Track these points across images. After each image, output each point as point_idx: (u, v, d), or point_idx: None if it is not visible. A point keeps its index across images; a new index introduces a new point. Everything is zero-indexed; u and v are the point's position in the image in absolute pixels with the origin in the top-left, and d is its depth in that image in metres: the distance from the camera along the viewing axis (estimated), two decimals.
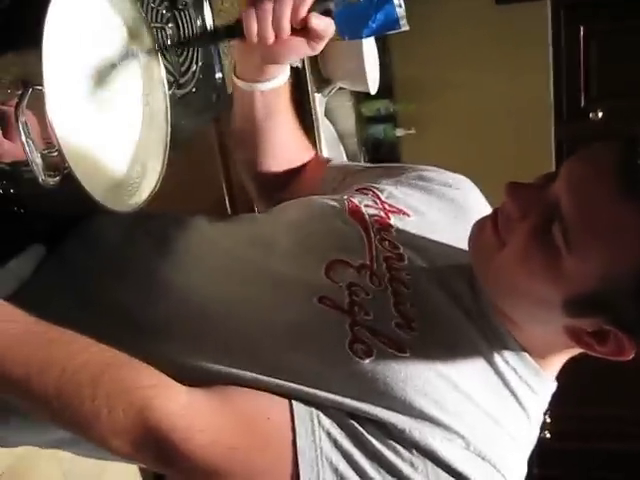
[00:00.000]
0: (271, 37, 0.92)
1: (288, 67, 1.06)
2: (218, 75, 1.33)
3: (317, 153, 1.25)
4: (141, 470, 2.68)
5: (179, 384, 0.79)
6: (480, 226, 0.86)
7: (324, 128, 2.31)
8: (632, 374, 2.47)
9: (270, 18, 0.90)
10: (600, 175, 0.74)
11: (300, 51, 0.96)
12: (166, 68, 1.03)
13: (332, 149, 2.40)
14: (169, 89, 0.97)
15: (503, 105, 2.44)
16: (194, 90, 1.21)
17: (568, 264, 0.75)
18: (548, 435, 2.57)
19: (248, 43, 0.93)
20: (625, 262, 0.72)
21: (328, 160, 1.22)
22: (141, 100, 0.94)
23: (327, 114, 2.40)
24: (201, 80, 1.24)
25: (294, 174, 1.19)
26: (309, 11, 0.91)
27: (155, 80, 0.95)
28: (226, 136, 1.87)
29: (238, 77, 1.05)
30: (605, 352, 0.78)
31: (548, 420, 2.48)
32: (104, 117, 0.87)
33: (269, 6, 0.90)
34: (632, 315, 0.74)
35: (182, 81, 1.16)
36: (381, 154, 2.70)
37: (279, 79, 1.05)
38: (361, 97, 2.53)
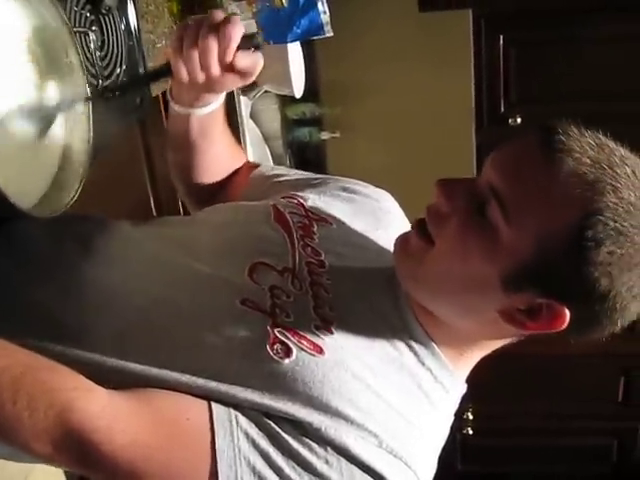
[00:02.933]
0: (201, 79, 0.96)
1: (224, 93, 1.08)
2: None
3: (247, 160, 1.27)
4: (66, 473, 2.63)
5: (99, 386, 0.80)
6: (404, 237, 0.89)
7: (249, 130, 2.31)
8: (550, 373, 2.55)
9: (197, 64, 0.94)
10: (525, 152, 0.79)
11: (232, 84, 1.01)
12: (89, 71, 1.03)
13: (258, 151, 2.40)
14: (93, 95, 0.96)
15: (426, 109, 2.49)
16: (117, 93, 1.19)
17: (506, 237, 0.78)
18: (470, 432, 2.62)
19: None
20: (557, 225, 0.76)
21: (255, 167, 1.24)
22: (63, 106, 0.93)
23: (253, 116, 2.40)
24: (125, 83, 1.23)
25: (224, 183, 1.21)
26: (238, 48, 0.94)
27: (79, 84, 0.94)
28: (151, 138, 1.86)
29: (174, 100, 1.07)
30: (538, 327, 0.81)
31: (470, 417, 2.56)
32: (25, 121, 0.86)
33: (195, 56, 0.93)
34: (565, 277, 0.77)
35: (105, 84, 1.15)
36: (307, 156, 2.71)
37: (214, 104, 1.07)
38: (287, 100, 2.54)
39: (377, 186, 1.14)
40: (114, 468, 0.77)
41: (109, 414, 0.78)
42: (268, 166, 1.28)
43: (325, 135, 2.64)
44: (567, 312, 0.78)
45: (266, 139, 2.52)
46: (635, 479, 2.73)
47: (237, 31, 0.93)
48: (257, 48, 0.96)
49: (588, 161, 0.76)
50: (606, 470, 2.73)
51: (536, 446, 2.75)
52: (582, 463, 2.76)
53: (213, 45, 0.93)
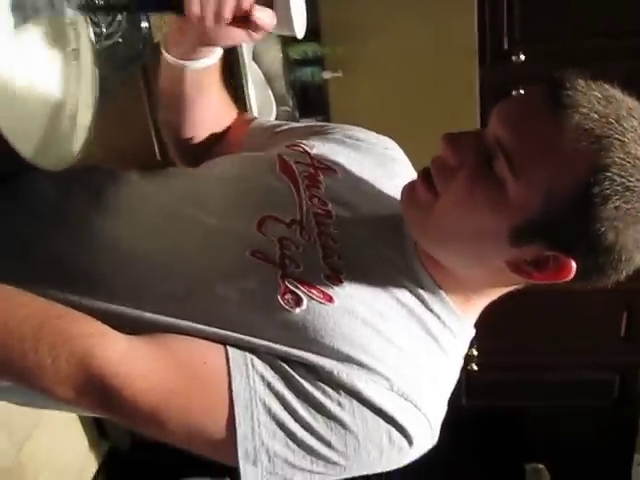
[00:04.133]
0: (211, 21, 0.92)
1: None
2: (144, 24, 1.31)
3: (240, 113, 1.25)
4: (80, 416, 2.69)
5: (118, 332, 0.82)
6: (410, 186, 0.89)
7: (252, 72, 2.29)
8: (553, 309, 2.58)
9: (213, 2, 0.90)
10: (532, 106, 0.79)
11: (237, 39, 0.97)
12: (91, 19, 1.02)
13: (260, 93, 2.39)
14: (96, 42, 0.96)
15: (428, 47, 2.46)
16: (120, 40, 1.19)
17: (514, 192, 0.79)
18: (475, 368, 2.66)
19: (185, 21, 0.93)
20: (564, 181, 0.76)
21: (252, 119, 1.23)
22: (68, 55, 0.93)
23: (254, 58, 2.38)
24: (127, 30, 1.22)
25: (218, 137, 1.19)
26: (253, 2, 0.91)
27: (82, 36, 0.94)
28: (153, 84, 1.85)
29: (168, 53, 1.04)
30: (544, 277, 0.82)
31: (475, 353, 2.59)
32: (31, 74, 0.86)
33: None
34: (572, 232, 0.78)
35: (108, 32, 1.14)
36: (309, 97, 2.69)
37: (211, 58, 1.05)
38: (288, 40, 2.51)
39: (380, 125, 1.14)
40: (134, 411, 0.80)
41: (128, 359, 0.80)
42: (265, 119, 1.27)
43: (327, 75, 2.62)
44: (573, 264, 0.79)
45: (268, 80, 2.50)
46: (635, 413, 2.78)
47: None
48: (270, 5, 0.93)
49: (595, 116, 0.76)
50: (608, 404, 2.78)
51: (539, 381, 2.80)
52: (584, 398, 2.81)
53: None
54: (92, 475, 2.86)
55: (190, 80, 1.06)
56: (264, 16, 0.93)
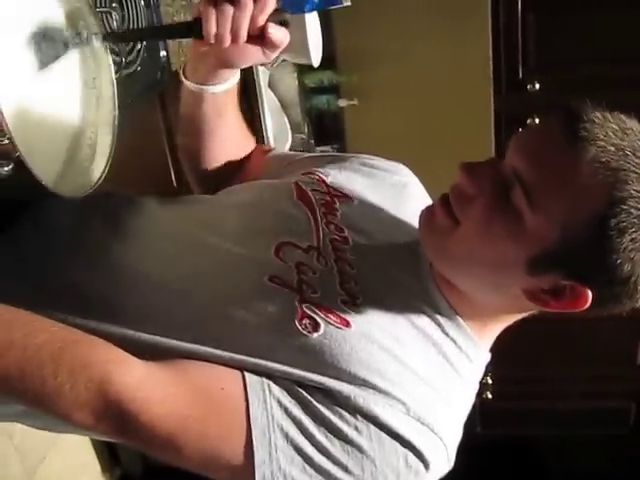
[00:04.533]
0: (228, 40, 0.93)
1: (239, 70, 1.08)
2: (162, 53, 1.33)
3: (259, 143, 1.28)
4: (93, 441, 2.69)
5: (135, 358, 0.83)
6: (429, 211, 0.90)
7: (268, 100, 2.31)
8: (568, 336, 2.57)
9: (230, 21, 0.92)
10: (549, 137, 0.80)
11: (254, 58, 1.00)
12: (112, 49, 1.04)
13: (276, 120, 2.41)
14: (116, 72, 0.97)
15: (444, 76, 2.47)
16: (139, 68, 1.21)
17: (531, 223, 0.80)
18: (490, 396, 2.65)
19: (204, 43, 0.95)
20: (581, 213, 0.77)
21: (270, 149, 1.25)
22: (89, 84, 0.94)
23: (271, 86, 2.40)
24: (145, 58, 1.24)
25: (236, 166, 1.21)
26: (266, 21, 0.93)
27: (103, 64, 0.95)
28: (171, 112, 1.87)
29: (187, 79, 1.07)
30: (561, 306, 0.83)
31: (490, 382, 2.58)
32: (52, 103, 0.88)
33: (229, 10, 0.91)
34: (588, 263, 0.79)
35: (128, 60, 1.16)
36: (324, 125, 2.71)
37: (230, 81, 1.07)
38: (304, 68, 2.53)
39: (395, 153, 1.15)
40: (152, 437, 0.81)
41: (146, 385, 0.81)
42: (282, 150, 1.29)
43: (343, 103, 2.64)
44: (589, 293, 0.80)
45: (284, 108, 2.52)
46: None
47: None
48: (283, 24, 0.96)
49: (612, 149, 0.77)
50: (624, 432, 2.75)
51: (555, 409, 2.78)
52: (600, 426, 2.78)
53: (249, 3, 0.91)
54: None
55: (210, 105, 1.09)
56: (278, 33, 0.95)
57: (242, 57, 1.00)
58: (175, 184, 2.04)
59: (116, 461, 2.90)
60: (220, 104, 1.10)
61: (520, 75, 2.40)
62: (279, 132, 2.42)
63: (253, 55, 0.99)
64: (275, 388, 0.84)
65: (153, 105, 1.85)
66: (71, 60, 0.91)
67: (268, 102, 2.31)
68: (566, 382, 2.73)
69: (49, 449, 2.49)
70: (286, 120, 2.52)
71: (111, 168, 0.94)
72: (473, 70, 2.41)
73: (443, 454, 0.87)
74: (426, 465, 0.85)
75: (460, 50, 2.40)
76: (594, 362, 2.63)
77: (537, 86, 2.35)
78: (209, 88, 1.06)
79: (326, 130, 2.68)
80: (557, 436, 2.87)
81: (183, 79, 1.08)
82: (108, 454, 2.85)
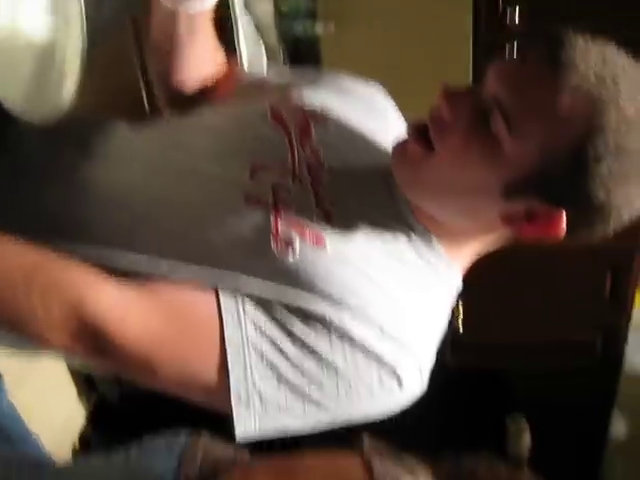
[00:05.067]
0: None
1: None
2: None
3: (231, 64, 1.25)
4: (69, 368, 2.70)
5: (110, 279, 0.83)
6: (401, 143, 0.90)
7: (243, 24, 2.26)
8: (538, 269, 2.60)
9: None
10: (530, 65, 0.80)
11: None
12: None
13: (251, 46, 2.36)
14: None
15: (422, 1, 2.43)
16: None
17: (510, 149, 0.80)
18: (461, 328, 2.69)
19: None
20: (559, 140, 0.78)
21: (242, 70, 1.23)
22: (57, 5, 0.91)
23: (246, 11, 2.34)
24: None
25: (208, 87, 1.19)
26: None
27: None
28: (143, 35, 1.82)
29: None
30: (535, 231, 0.84)
31: (461, 314, 2.61)
32: (16, 23, 0.85)
33: None
34: (564, 189, 0.80)
35: None
36: (301, 51, 2.66)
37: (204, 3, 1.04)
38: None
39: (372, 81, 1.14)
40: (127, 357, 0.82)
41: (121, 307, 0.82)
42: (256, 71, 1.26)
43: (320, 28, 2.59)
44: (564, 219, 0.81)
45: (260, 33, 2.47)
46: (617, 371, 2.82)
47: None
48: None
49: (592, 77, 0.76)
50: (592, 363, 2.81)
51: (524, 341, 2.82)
52: (568, 357, 2.84)
53: None
54: (80, 426, 2.88)
55: (183, 25, 1.07)
56: None
57: None
58: (147, 109, 2.01)
59: (92, 387, 2.93)
60: (194, 25, 1.08)
61: (500, 2, 2.35)
62: (254, 59, 2.38)
63: None
64: (250, 308, 0.84)
65: (125, 27, 1.79)
66: None
67: (243, 27, 2.26)
68: (535, 315, 2.77)
69: (25, 376, 2.50)
70: (262, 46, 2.47)
71: (82, 93, 0.91)
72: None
73: (417, 374, 0.89)
74: (400, 384, 0.86)
75: None
76: (563, 295, 2.67)
77: (517, 11, 2.30)
78: (183, 7, 1.03)
79: (302, 57, 2.63)
80: (526, 366, 2.93)
81: None
82: (84, 380, 2.87)
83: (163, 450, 1.77)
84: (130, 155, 1.00)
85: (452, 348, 2.76)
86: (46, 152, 1.00)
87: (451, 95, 0.85)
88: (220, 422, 0.86)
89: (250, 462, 1.67)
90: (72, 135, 1.02)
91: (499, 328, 2.81)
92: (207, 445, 1.76)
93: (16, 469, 1.49)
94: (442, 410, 2.49)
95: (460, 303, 2.48)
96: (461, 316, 2.56)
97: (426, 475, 1.65)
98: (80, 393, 2.87)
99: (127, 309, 0.82)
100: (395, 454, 1.62)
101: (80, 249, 0.89)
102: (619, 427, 3.09)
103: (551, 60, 0.78)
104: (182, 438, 1.80)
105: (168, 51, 1.12)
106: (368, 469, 1.57)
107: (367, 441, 1.64)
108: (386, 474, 1.55)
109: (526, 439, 2.96)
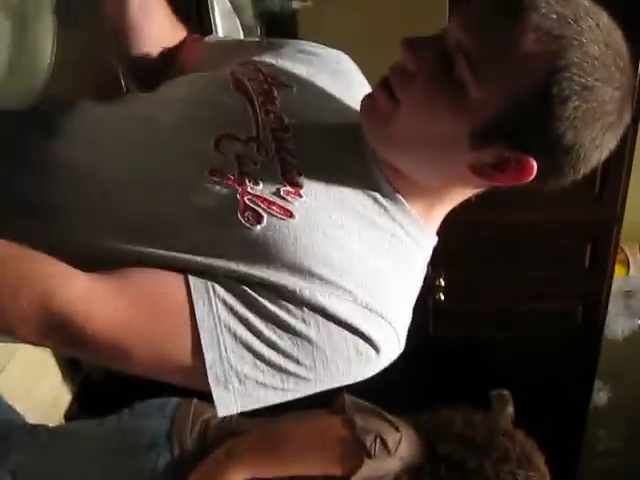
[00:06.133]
0: None
1: None
2: None
3: (189, 32, 1.24)
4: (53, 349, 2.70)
5: (78, 271, 0.83)
6: (369, 97, 0.89)
7: (218, 1, 2.24)
8: (519, 239, 2.61)
9: None
10: (491, 8, 0.80)
11: None
12: None
13: (227, 24, 2.34)
14: None
15: None
16: None
17: (475, 95, 0.80)
18: (442, 298, 2.70)
19: None
20: (524, 82, 0.78)
21: (201, 37, 1.22)
22: None
23: None
24: None
25: (169, 58, 1.19)
26: None
27: None
28: None
29: None
30: (506, 179, 0.85)
31: (442, 284, 2.63)
32: None
33: None
34: (532, 132, 0.80)
35: None
36: (277, 27, 2.64)
37: None
38: None
39: (351, 57, 1.14)
40: (98, 347, 0.82)
41: (89, 297, 0.81)
42: (216, 36, 1.25)
43: (296, 4, 2.57)
44: (534, 163, 0.81)
45: (235, 11, 2.45)
46: (597, 340, 2.85)
47: None
48: None
49: (554, 16, 0.77)
50: (571, 332, 2.84)
51: (505, 310, 2.85)
52: (549, 326, 2.87)
53: None
54: (66, 405, 2.88)
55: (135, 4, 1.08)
56: None
57: None
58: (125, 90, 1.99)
59: (77, 367, 2.93)
60: (145, 1, 1.08)
61: None
62: (231, 36, 2.36)
63: None
64: (220, 289, 0.84)
65: (100, 10, 1.77)
66: None
67: (219, 4, 2.24)
68: (516, 284, 2.79)
69: (8, 359, 2.50)
70: (238, 23, 2.45)
71: (57, 77, 0.91)
72: None
73: (393, 338, 0.89)
74: (377, 350, 0.87)
75: None
76: (544, 265, 2.69)
77: None
78: None
79: (279, 34, 2.60)
80: (507, 336, 2.95)
81: None
82: (69, 360, 2.87)
83: (155, 411, 1.80)
84: (95, 134, 1.00)
85: (434, 319, 2.79)
86: (12, 134, 1.00)
87: (413, 43, 0.84)
88: (204, 394, 0.86)
89: (238, 423, 1.70)
90: (40, 117, 1.02)
91: (481, 297, 2.82)
92: (197, 406, 1.80)
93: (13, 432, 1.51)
94: (425, 383, 2.52)
95: (442, 273, 2.49)
96: (442, 287, 2.58)
97: (407, 427, 1.69)
98: (65, 374, 2.87)
99: (95, 298, 0.82)
100: (376, 410, 1.65)
101: (52, 233, 0.89)
102: (601, 394, 3.13)
103: (512, 1, 0.78)
104: (173, 401, 1.83)
105: (123, 30, 1.12)
106: (350, 425, 1.60)
107: (348, 399, 1.67)
108: (368, 428, 1.59)
109: (510, 410, 2.99)
